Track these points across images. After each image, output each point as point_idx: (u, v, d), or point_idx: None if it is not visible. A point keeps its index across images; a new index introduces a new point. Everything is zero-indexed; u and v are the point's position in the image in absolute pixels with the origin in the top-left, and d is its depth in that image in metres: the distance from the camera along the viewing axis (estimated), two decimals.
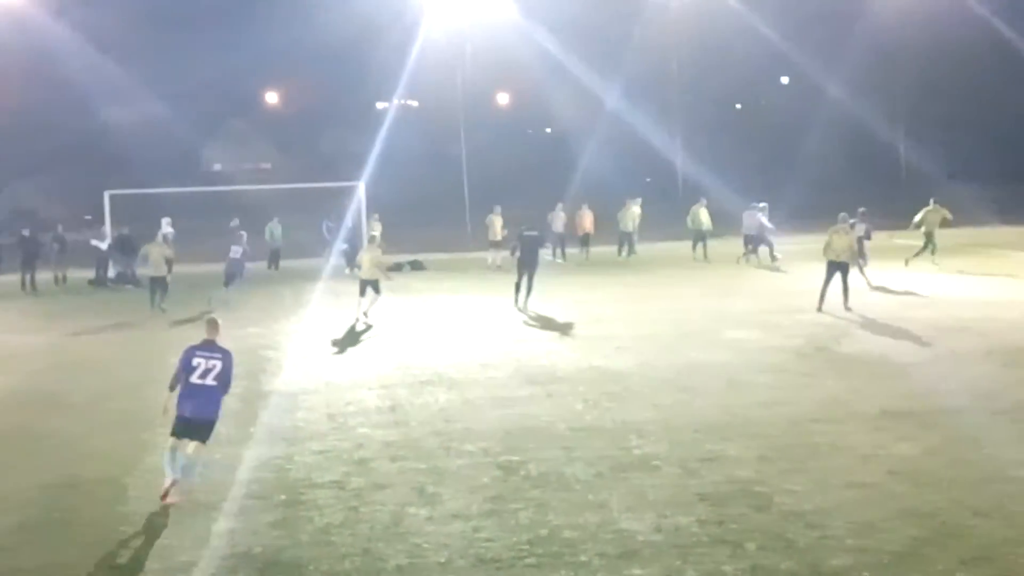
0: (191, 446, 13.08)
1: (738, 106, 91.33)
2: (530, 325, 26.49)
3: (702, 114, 67.80)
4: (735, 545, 11.05)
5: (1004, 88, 74.44)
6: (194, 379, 13.07)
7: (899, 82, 62.24)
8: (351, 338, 25.40)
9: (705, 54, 67.96)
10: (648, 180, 57.85)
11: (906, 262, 35.07)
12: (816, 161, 62.09)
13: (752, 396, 17.65)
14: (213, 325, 13.84)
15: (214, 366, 13.16)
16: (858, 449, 14.35)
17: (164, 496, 12.73)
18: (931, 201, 36.64)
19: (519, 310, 28.48)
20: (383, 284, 27.87)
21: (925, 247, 35.87)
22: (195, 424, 13.07)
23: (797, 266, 36.59)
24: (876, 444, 14.57)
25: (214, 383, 13.14)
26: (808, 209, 42.30)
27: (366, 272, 27.87)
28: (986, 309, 26.31)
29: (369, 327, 26.39)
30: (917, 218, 36.81)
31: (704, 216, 42.49)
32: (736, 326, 24.77)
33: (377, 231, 42.45)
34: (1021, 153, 65.29)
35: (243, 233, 35.84)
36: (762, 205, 40.31)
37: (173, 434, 13.08)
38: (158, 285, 30.46)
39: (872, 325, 24.52)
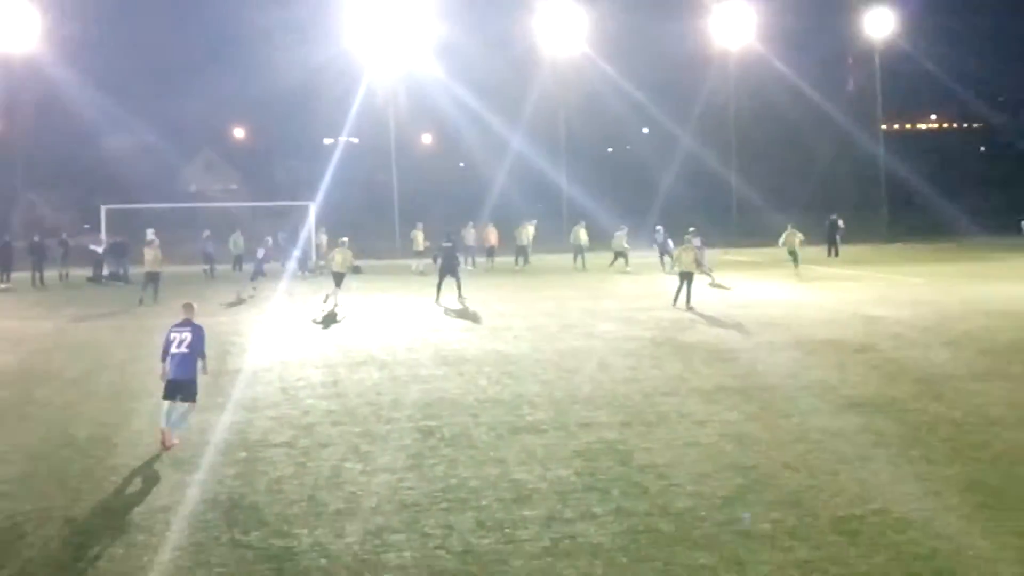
0: (184, 405, 13.51)
1: (609, 149, 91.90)
2: (445, 317, 26.37)
3: (582, 154, 67.93)
4: (603, 492, 11.19)
5: (811, 139, 76.48)
6: (173, 349, 13.45)
7: (731, 133, 63.23)
8: (301, 326, 25.10)
9: (585, 106, 68.31)
10: (540, 205, 58.01)
11: (797, 274, 35.76)
12: (667, 193, 62.87)
13: (617, 375, 17.82)
14: (188, 307, 14.10)
15: (185, 337, 13.47)
16: (696, 416, 14.56)
17: (165, 443, 13.07)
18: (788, 226, 37.53)
19: (439, 305, 28.37)
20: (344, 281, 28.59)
21: (793, 260, 36.60)
22: (178, 383, 13.40)
23: (650, 275, 37.20)
24: (710, 412, 14.81)
25: (187, 350, 13.40)
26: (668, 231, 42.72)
27: (338, 266, 28.54)
28: (794, 310, 26.81)
29: (318, 318, 26.14)
30: (780, 240, 37.65)
31: (583, 234, 42.96)
32: (605, 321, 24.98)
33: (323, 241, 42.53)
34: (823, 188, 66.64)
35: (268, 238, 36.67)
36: (691, 229, 40.74)
37: (165, 397, 13.40)
38: (151, 280, 30.20)
39: (709, 321, 24.78)
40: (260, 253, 33.72)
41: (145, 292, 30.00)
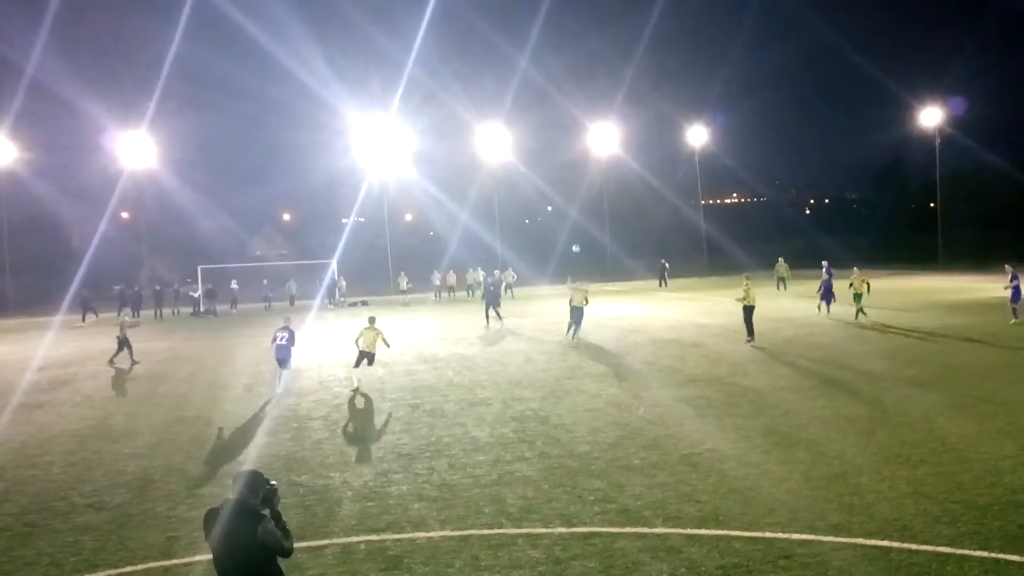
0: None
1: (526, 221, 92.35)
2: (422, 331, 26.10)
3: (510, 224, 68.35)
4: (530, 443, 11.12)
5: (654, 210, 78.02)
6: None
7: (604, 208, 63.89)
8: (329, 340, 24.65)
9: (510, 193, 69.08)
10: (483, 257, 57.96)
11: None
12: (564, 250, 63.42)
13: (537, 366, 17.78)
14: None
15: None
16: (590, 391, 14.56)
17: None
18: (780, 259, 37.53)
19: (487, 329, 27.83)
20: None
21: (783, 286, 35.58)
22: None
23: (544, 300, 37.20)
24: (599, 388, 14.83)
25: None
26: (557, 275, 43.06)
27: (366, 346, 26.85)
28: (649, 320, 26.82)
29: (337, 334, 25.74)
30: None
31: (511, 276, 43.10)
32: (529, 331, 24.88)
33: (343, 285, 42.32)
34: (664, 242, 67.59)
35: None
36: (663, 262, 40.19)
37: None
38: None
39: (594, 327, 24.84)
40: (292, 289, 32.84)
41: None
